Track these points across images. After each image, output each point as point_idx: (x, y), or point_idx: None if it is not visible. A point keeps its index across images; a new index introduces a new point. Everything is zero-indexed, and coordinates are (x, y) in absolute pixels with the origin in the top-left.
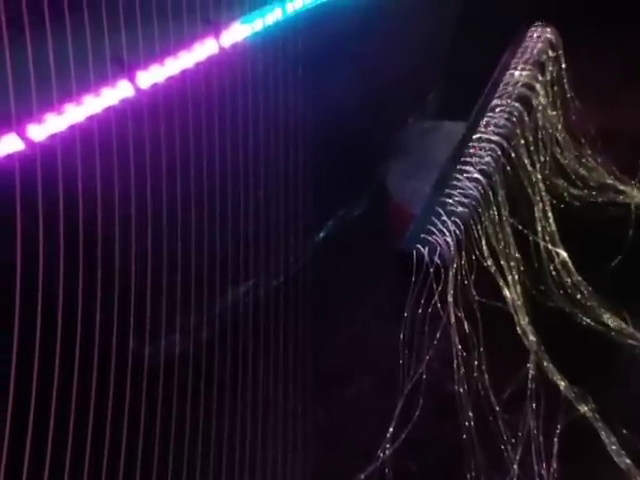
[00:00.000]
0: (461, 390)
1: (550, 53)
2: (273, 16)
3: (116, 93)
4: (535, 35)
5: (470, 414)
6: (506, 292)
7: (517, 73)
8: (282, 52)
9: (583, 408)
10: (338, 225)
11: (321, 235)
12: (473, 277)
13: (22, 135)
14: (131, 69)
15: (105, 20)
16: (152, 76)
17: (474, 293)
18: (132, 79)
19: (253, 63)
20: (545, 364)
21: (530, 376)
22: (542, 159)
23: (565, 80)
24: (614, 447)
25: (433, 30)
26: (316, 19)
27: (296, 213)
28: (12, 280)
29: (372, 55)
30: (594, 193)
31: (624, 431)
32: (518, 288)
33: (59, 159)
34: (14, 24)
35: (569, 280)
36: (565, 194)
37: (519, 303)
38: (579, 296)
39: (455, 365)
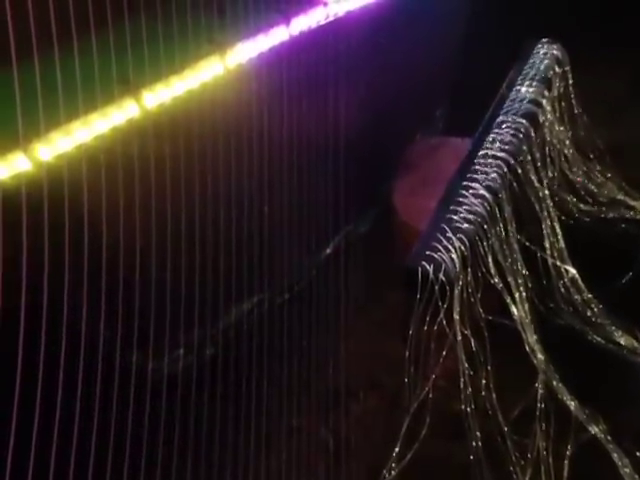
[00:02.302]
0: (468, 409)
1: (557, 69)
2: (277, 37)
3: (122, 113)
4: (542, 52)
5: (477, 434)
6: (513, 309)
7: (523, 89)
8: (286, 72)
9: (594, 429)
10: (344, 241)
11: (327, 251)
12: (480, 294)
13: (29, 155)
14: (137, 89)
15: (112, 41)
16: (158, 96)
17: (481, 310)
18: (138, 99)
19: (258, 82)
20: (554, 383)
21: (539, 396)
22: (550, 175)
23: (572, 96)
24: (627, 470)
25: (440, 48)
26: (322, 39)
27: (302, 229)
28: (18, 295)
29: (379, 73)
30: (604, 209)
31: (637, 453)
32: (526, 305)
33: (65, 178)
34: (23, 45)
35: (579, 297)
36: (574, 210)
37: (527, 321)
38: (589, 314)
39: (462, 384)
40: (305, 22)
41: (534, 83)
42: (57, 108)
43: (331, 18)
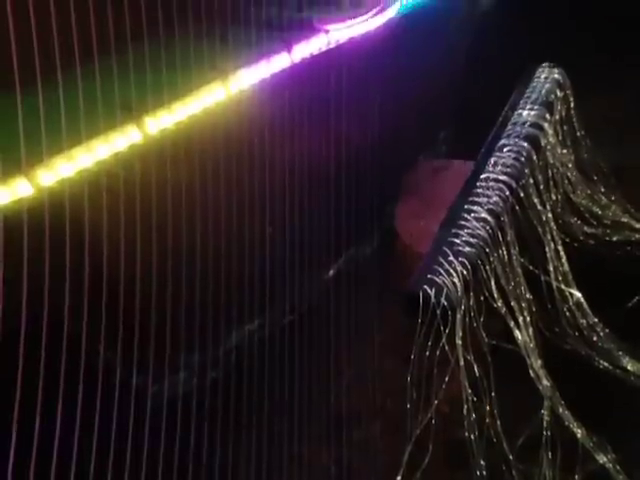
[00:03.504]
0: (472, 436)
1: (558, 93)
2: (279, 63)
3: (125, 138)
4: (543, 76)
5: (482, 462)
6: (517, 334)
7: (525, 113)
8: (288, 97)
9: (602, 458)
10: (347, 264)
11: (330, 274)
12: (482, 319)
13: (31, 180)
14: (139, 115)
15: (115, 67)
16: (160, 121)
17: (484, 335)
18: (140, 124)
19: (259, 108)
20: (560, 410)
21: (545, 423)
22: (553, 197)
23: (575, 119)
24: None
25: (443, 71)
26: (324, 65)
27: (304, 251)
28: (19, 320)
29: (382, 97)
30: (608, 231)
31: None
32: (530, 330)
33: (67, 203)
34: (26, 71)
35: (584, 321)
36: (578, 232)
37: (531, 345)
38: (595, 338)
39: (465, 410)
40: (307, 49)
41: (536, 107)
42: (59, 133)
43: (333, 45)
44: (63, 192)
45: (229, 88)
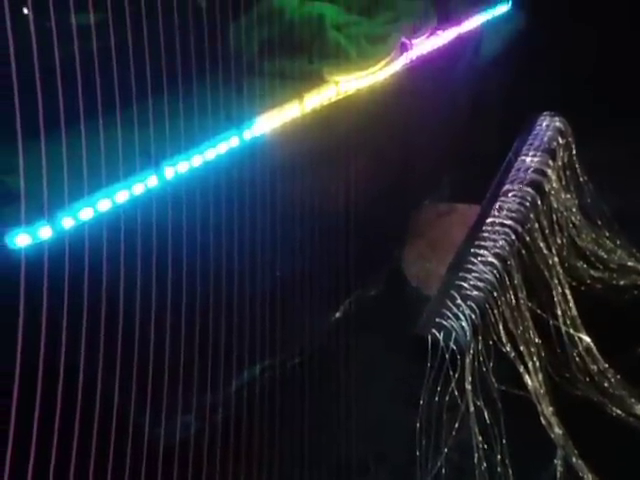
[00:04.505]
0: None
1: (560, 140)
2: (291, 113)
3: (143, 184)
4: (544, 124)
5: None
6: (527, 379)
7: (528, 159)
8: (298, 144)
9: None
10: (354, 306)
11: (337, 315)
12: (492, 363)
13: (52, 224)
14: (158, 162)
15: (136, 117)
16: (177, 168)
17: (493, 380)
18: (159, 171)
19: (272, 155)
20: (574, 460)
21: (558, 473)
22: (559, 241)
23: (577, 165)
24: None
25: (447, 119)
26: (333, 114)
27: (313, 292)
28: (36, 360)
29: (388, 141)
30: (615, 275)
31: None
32: (540, 375)
33: (86, 247)
34: (52, 121)
35: (595, 367)
36: (585, 276)
37: (542, 391)
38: (606, 384)
39: (476, 458)
40: (317, 99)
41: (538, 153)
42: (81, 179)
43: (342, 95)
44: (83, 235)
45: (243, 136)
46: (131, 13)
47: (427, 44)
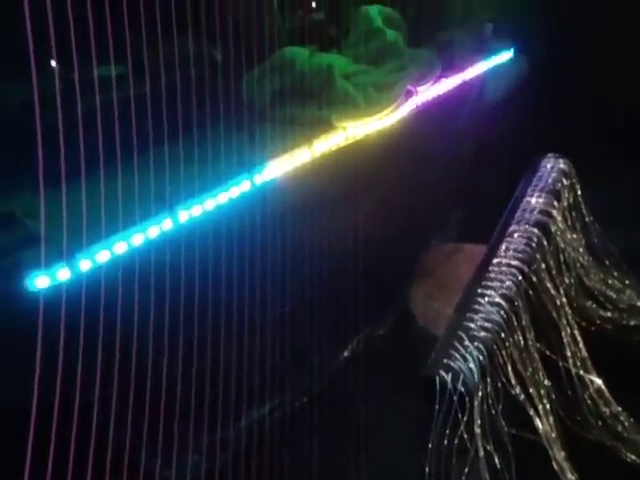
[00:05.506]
0: None
1: (564, 181)
2: (300, 158)
3: (158, 227)
4: (548, 165)
5: None
6: (538, 423)
7: (533, 200)
8: (309, 187)
9: None
10: (362, 345)
11: (345, 354)
12: (501, 406)
13: (71, 267)
14: (172, 206)
15: (152, 163)
16: (191, 211)
17: (503, 423)
18: (173, 215)
19: (282, 198)
20: None
21: None
22: (567, 281)
23: (582, 205)
24: None
25: (453, 161)
26: (342, 159)
27: (322, 331)
28: (52, 402)
29: (396, 183)
30: (625, 315)
31: None
32: (551, 418)
33: (102, 289)
34: (72, 168)
35: (607, 410)
36: (595, 316)
37: (553, 435)
38: (620, 428)
39: None
40: (326, 144)
41: (543, 195)
42: (99, 223)
43: (350, 140)
44: (99, 278)
45: (254, 180)
46: (150, 65)
47: (432, 91)
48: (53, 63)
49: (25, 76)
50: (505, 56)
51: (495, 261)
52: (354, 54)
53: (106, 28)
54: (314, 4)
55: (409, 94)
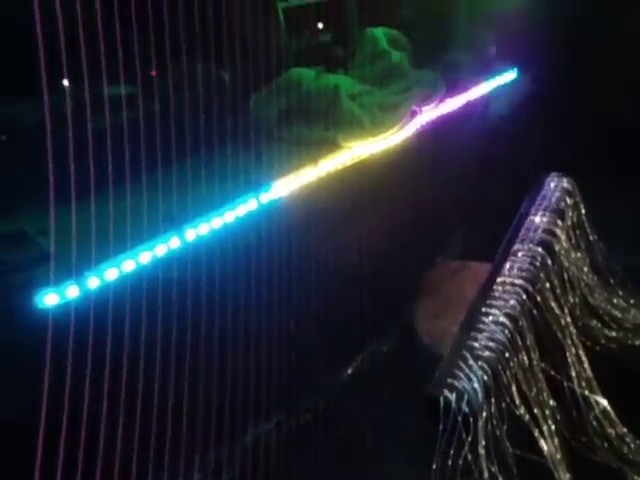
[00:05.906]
0: None
1: (568, 201)
2: (307, 176)
3: (165, 246)
4: (552, 184)
5: None
6: (543, 444)
7: (537, 219)
8: (314, 204)
9: None
10: (367, 362)
11: (349, 371)
12: (505, 427)
13: (80, 284)
14: (180, 224)
15: (160, 183)
16: (198, 230)
17: (508, 444)
18: (180, 233)
19: (287, 216)
20: None
21: None
22: (571, 300)
23: (586, 224)
24: None
25: (457, 179)
26: (348, 177)
27: (326, 347)
28: (60, 416)
29: (401, 201)
30: (630, 335)
31: None
32: (556, 440)
33: (110, 307)
34: (82, 188)
35: (612, 431)
36: (600, 336)
37: (558, 457)
38: (626, 450)
39: None
40: (332, 164)
41: (547, 214)
42: (107, 242)
43: (356, 160)
44: (107, 295)
45: (260, 199)
46: (159, 86)
47: (436, 111)
48: (65, 83)
49: (36, 97)
50: (508, 76)
51: (499, 280)
52: (360, 75)
53: (116, 48)
54: (320, 26)
55: (414, 114)
